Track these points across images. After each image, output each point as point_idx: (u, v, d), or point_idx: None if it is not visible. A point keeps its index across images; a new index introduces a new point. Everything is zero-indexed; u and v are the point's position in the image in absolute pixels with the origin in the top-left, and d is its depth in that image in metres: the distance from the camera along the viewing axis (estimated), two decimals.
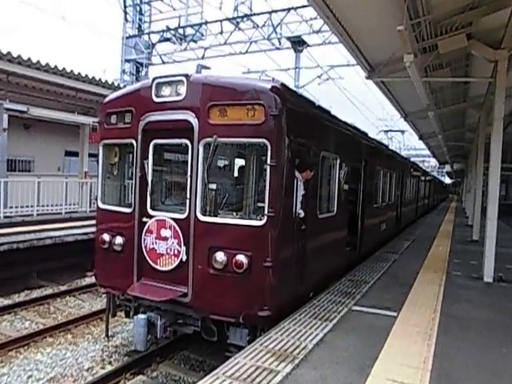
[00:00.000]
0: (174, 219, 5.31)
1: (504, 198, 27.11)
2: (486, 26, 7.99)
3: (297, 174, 5.47)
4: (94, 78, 13.83)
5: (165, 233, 5.34)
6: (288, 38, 19.91)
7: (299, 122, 5.54)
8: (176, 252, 5.26)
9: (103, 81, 14.23)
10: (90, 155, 16.49)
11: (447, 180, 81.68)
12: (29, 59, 11.75)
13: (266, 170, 4.91)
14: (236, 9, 19.30)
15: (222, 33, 20.10)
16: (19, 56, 11.49)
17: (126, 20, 22.47)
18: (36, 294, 9.38)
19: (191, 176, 5.18)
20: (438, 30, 8.09)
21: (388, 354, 4.32)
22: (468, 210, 22.18)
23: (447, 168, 56.43)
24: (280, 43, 20.02)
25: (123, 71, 23.00)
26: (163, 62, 22.94)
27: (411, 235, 14.29)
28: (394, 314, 5.63)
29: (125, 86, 8.86)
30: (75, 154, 17.95)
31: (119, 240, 5.78)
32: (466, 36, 8.01)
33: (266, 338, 4.59)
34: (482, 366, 4.24)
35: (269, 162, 4.84)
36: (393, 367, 4.03)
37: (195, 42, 21.40)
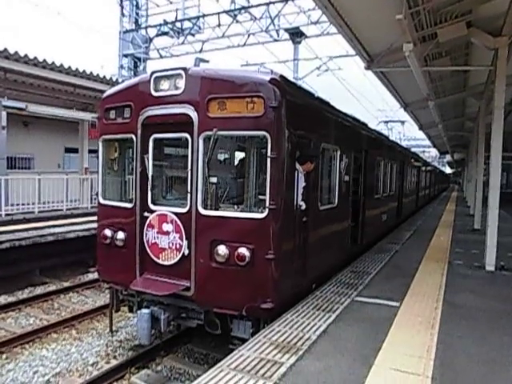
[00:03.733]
0: (175, 213, 5.30)
1: (505, 187, 27.08)
2: (486, 14, 7.93)
3: (297, 166, 5.45)
4: (91, 73, 13.78)
5: (166, 227, 5.35)
6: (286, 30, 19.77)
7: (299, 113, 5.51)
8: (178, 246, 5.26)
9: (101, 76, 14.17)
10: (90, 151, 16.48)
11: (448, 170, 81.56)
12: (26, 56, 11.70)
13: (266, 163, 4.89)
14: (233, 1, 19.15)
15: (219, 26, 19.96)
16: (16, 53, 11.45)
17: (122, 14, 22.32)
18: (39, 290, 9.42)
19: (192, 170, 5.17)
20: (438, 18, 8.02)
21: (391, 344, 4.34)
22: (469, 199, 22.16)
23: (448, 158, 56.37)
24: (278, 35, 19.88)
25: (121, 66, 22.89)
26: (161, 57, 22.83)
27: (412, 226, 14.30)
28: (397, 304, 5.65)
29: (123, 81, 8.82)
30: (75, 151, 17.94)
31: (121, 235, 5.79)
32: (466, 24, 7.95)
33: (270, 330, 4.61)
34: (485, 354, 4.25)
35: (269, 154, 4.83)
36: (396, 357, 4.05)
37: (193, 35, 21.26)
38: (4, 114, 12.96)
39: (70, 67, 13.02)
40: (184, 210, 5.25)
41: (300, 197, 5.55)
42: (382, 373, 3.74)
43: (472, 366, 3.98)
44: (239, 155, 6.33)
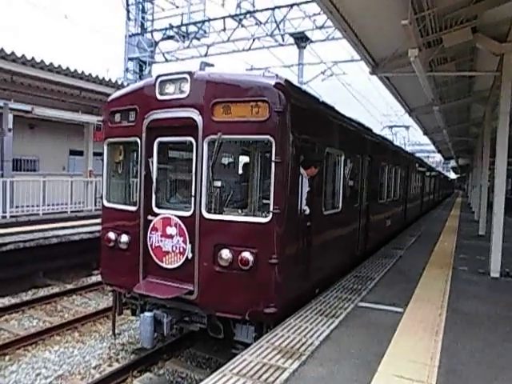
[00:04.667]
0: (179, 217, 5.31)
1: (510, 193, 26.88)
2: (492, 19, 7.90)
3: (302, 170, 5.45)
4: (97, 76, 13.86)
5: (170, 230, 5.35)
6: (291, 35, 19.83)
7: (303, 118, 5.51)
8: (181, 250, 5.26)
9: (107, 79, 14.25)
10: (95, 154, 16.55)
11: (452, 175, 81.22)
12: (33, 59, 11.79)
13: (270, 167, 4.89)
14: (239, 5, 19.24)
15: (224, 30, 20.05)
16: (23, 56, 11.53)
17: (128, 18, 22.48)
18: (43, 292, 9.44)
19: (196, 173, 5.18)
20: (443, 23, 8.01)
21: (395, 351, 4.31)
22: (474, 205, 22.06)
23: (452, 163, 56.10)
24: (283, 39, 19.96)
25: (126, 70, 23.01)
26: (166, 60, 22.93)
27: (417, 231, 14.23)
28: (401, 310, 5.62)
29: (128, 85, 8.88)
30: (80, 153, 18.02)
31: (125, 238, 5.79)
32: (471, 29, 7.93)
33: (273, 335, 4.59)
34: (490, 361, 4.21)
35: (273, 158, 4.83)
36: (400, 363, 4.02)
37: (198, 39, 21.37)
38: (10, 116, 13.04)
39: (75, 70, 13.11)
40: (188, 214, 5.25)
41: (304, 201, 5.54)
42: (385, 379, 3.71)
43: (477, 373, 3.94)
44: (243, 159, 6.34)
